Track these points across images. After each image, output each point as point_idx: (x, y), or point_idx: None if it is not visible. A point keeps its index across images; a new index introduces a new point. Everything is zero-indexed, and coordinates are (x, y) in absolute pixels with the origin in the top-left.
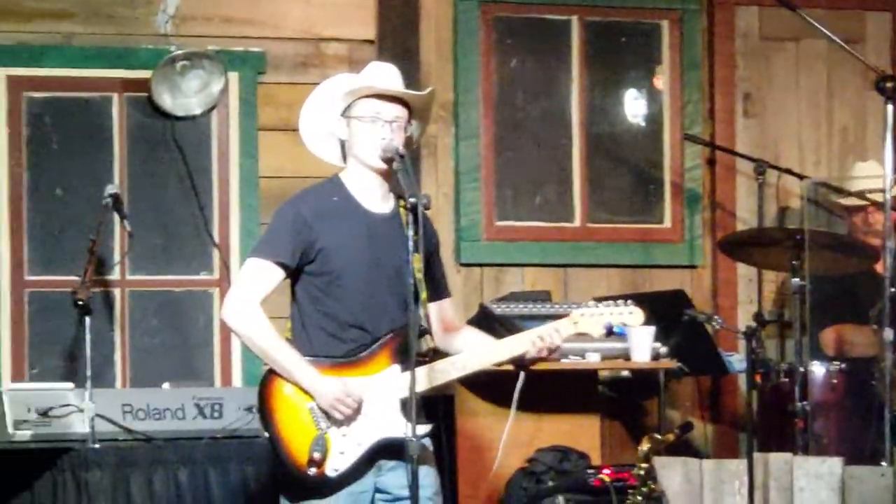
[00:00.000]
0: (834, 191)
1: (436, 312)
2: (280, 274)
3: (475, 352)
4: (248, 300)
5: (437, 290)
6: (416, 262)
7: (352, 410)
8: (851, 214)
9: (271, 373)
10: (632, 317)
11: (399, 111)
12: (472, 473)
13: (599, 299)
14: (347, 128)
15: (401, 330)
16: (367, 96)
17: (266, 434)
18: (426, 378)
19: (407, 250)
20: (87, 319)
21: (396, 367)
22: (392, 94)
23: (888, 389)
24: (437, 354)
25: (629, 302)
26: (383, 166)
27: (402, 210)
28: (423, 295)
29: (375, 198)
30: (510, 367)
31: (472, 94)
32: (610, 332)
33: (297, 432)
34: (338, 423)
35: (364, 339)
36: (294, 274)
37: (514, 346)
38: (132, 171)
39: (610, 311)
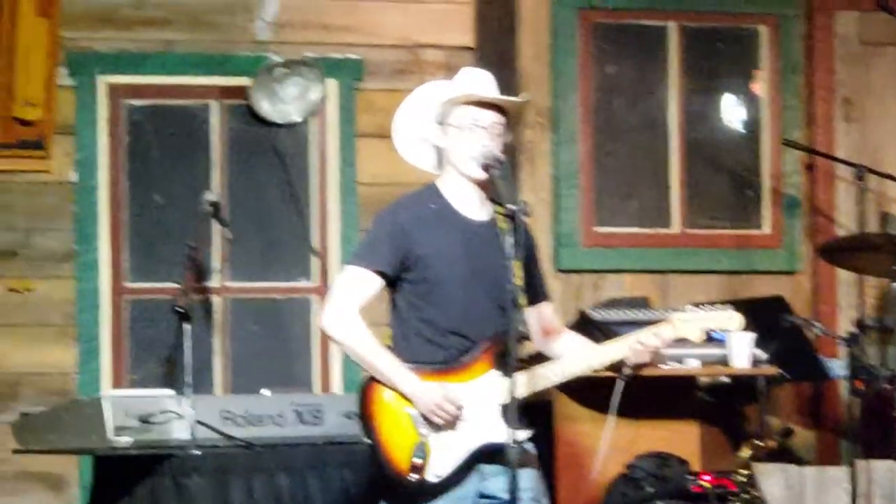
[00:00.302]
0: None
1: (535, 317)
2: (378, 282)
3: (576, 357)
4: (347, 308)
5: (536, 294)
6: (516, 268)
7: (452, 416)
8: None
9: (372, 379)
10: (731, 321)
11: (496, 117)
12: (571, 479)
13: (698, 305)
14: (444, 135)
15: (500, 336)
16: (465, 103)
17: (367, 440)
18: (526, 383)
19: (504, 256)
20: (187, 326)
21: (496, 373)
22: (490, 101)
23: None
24: (537, 359)
25: (728, 306)
26: (482, 174)
27: (498, 216)
28: (522, 300)
29: (473, 205)
30: (609, 373)
31: (570, 100)
32: (709, 337)
33: (398, 438)
34: (438, 429)
35: (464, 345)
36: (393, 282)
37: (614, 350)
38: (231, 178)
39: (709, 315)
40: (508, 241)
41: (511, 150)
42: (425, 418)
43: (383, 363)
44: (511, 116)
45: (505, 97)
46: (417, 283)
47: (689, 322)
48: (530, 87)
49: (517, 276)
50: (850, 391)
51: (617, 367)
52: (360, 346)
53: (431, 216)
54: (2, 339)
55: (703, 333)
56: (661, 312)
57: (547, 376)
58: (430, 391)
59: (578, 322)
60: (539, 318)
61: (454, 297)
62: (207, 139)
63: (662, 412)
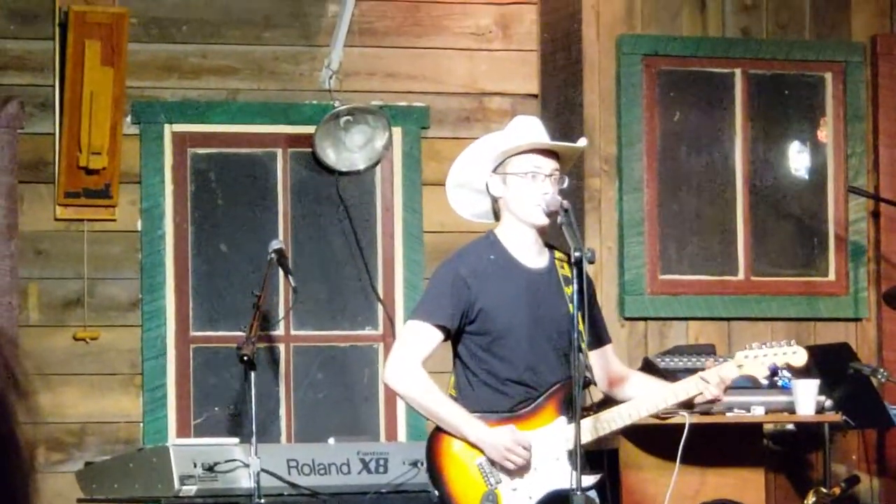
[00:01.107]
0: None
1: (599, 360)
2: (440, 336)
3: (641, 400)
4: (409, 362)
5: (598, 337)
6: (578, 314)
7: (523, 460)
8: None
9: (438, 430)
10: (795, 356)
11: (555, 164)
12: None
13: (763, 343)
14: (503, 184)
15: (565, 382)
16: (524, 152)
17: (436, 492)
18: (592, 429)
19: (565, 302)
20: (252, 374)
21: (563, 420)
22: (551, 148)
23: None
24: (605, 403)
25: (792, 342)
26: (546, 221)
27: (556, 262)
28: (584, 345)
29: (531, 253)
30: (674, 420)
31: (636, 148)
32: (774, 373)
33: (467, 488)
34: (507, 478)
35: (529, 394)
36: (455, 334)
37: (679, 390)
38: (296, 226)
39: (773, 351)
40: (571, 288)
41: (576, 198)
42: (493, 466)
43: (449, 412)
44: (566, 162)
45: (566, 143)
46: (480, 335)
47: (754, 359)
48: (595, 135)
49: (580, 322)
50: None
51: (685, 407)
52: (424, 398)
53: (491, 267)
54: (68, 388)
55: (769, 370)
56: (726, 360)
57: (614, 420)
58: (499, 435)
59: (643, 369)
60: (603, 362)
61: (517, 347)
62: (273, 187)
63: (728, 460)
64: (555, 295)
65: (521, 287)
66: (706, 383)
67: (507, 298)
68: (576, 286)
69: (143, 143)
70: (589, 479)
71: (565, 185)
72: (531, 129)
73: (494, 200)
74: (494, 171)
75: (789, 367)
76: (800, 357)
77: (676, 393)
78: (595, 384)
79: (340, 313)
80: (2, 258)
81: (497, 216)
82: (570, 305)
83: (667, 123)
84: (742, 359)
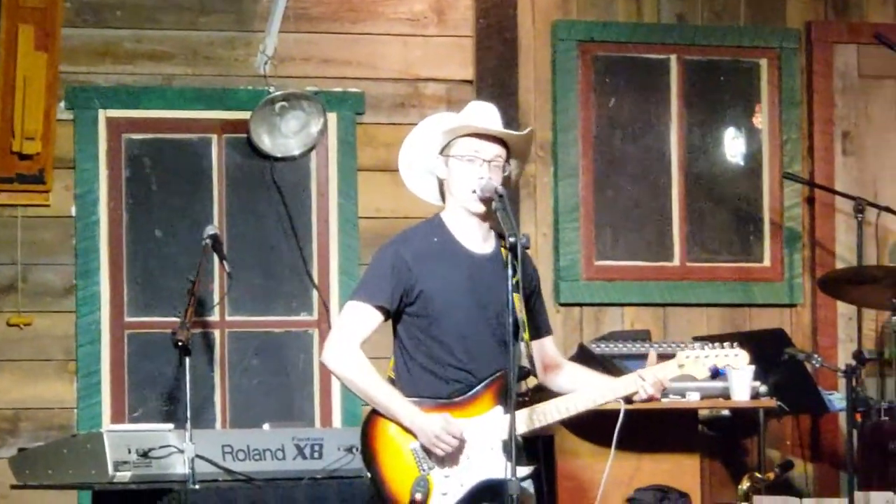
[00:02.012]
0: None
1: (538, 351)
2: (379, 317)
3: (578, 395)
4: (348, 343)
5: (539, 328)
6: (517, 301)
7: (453, 448)
8: None
9: (374, 413)
10: (737, 359)
11: (498, 150)
12: None
13: (699, 339)
14: (446, 167)
15: (504, 372)
16: (467, 135)
17: (368, 475)
18: (527, 420)
19: (508, 290)
20: (187, 360)
21: (499, 409)
22: (491, 134)
23: None
24: (540, 392)
25: (734, 344)
26: (481, 207)
27: (503, 250)
28: (525, 335)
29: (476, 238)
30: (609, 406)
31: (571, 134)
32: (715, 375)
33: (400, 473)
34: (440, 464)
35: (467, 380)
36: (395, 315)
37: (618, 387)
38: (231, 212)
39: (715, 353)
40: (510, 274)
41: (513, 184)
42: (427, 452)
43: (384, 396)
44: (515, 150)
45: (505, 130)
46: (419, 318)
47: (696, 360)
48: (531, 121)
49: (519, 310)
50: (849, 423)
51: (623, 400)
52: (360, 380)
53: (434, 249)
54: (1, 375)
55: (709, 372)
56: (661, 346)
57: (550, 413)
58: (432, 422)
59: (578, 355)
60: (542, 353)
61: (457, 331)
62: (207, 173)
63: (663, 445)
64: (497, 281)
65: (463, 271)
66: (643, 381)
67: (449, 281)
68: (510, 272)
69: (78, 128)
70: (523, 470)
71: (507, 172)
72: (481, 114)
73: (440, 182)
74: (440, 152)
75: (730, 369)
76: (741, 360)
77: (614, 390)
78: (534, 374)
79: (275, 299)
80: None
81: (444, 199)
82: (515, 295)
83: (602, 109)
84: (683, 359)
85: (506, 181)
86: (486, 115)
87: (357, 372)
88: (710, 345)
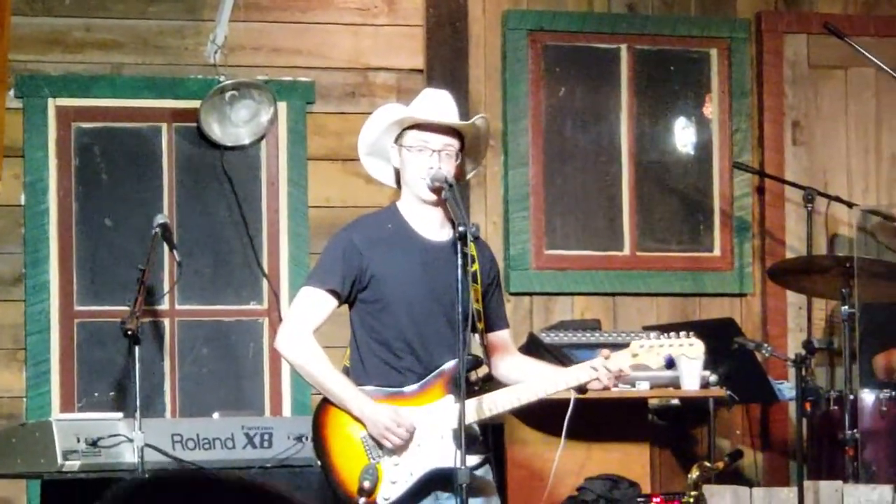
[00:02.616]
0: (884, 218)
1: (492, 343)
2: (333, 302)
3: (529, 385)
4: (301, 329)
5: (495, 321)
6: (474, 292)
7: (402, 439)
8: None
9: (325, 402)
10: (692, 349)
11: (448, 139)
12: (523, 502)
13: (649, 328)
14: (399, 156)
15: (456, 361)
16: (416, 126)
17: (318, 463)
18: (477, 409)
19: (459, 279)
20: (137, 349)
21: (450, 398)
22: (436, 123)
23: None
24: (490, 383)
25: (690, 334)
26: (432, 196)
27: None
28: (480, 325)
29: (432, 226)
30: (559, 395)
31: (521, 123)
32: (670, 365)
33: (350, 461)
34: (390, 453)
35: (419, 368)
36: (349, 302)
37: (570, 377)
38: (181, 201)
39: (670, 342)
40: (476, 265)
41: (462, 172)
42: (376, 441)
43: (335, 385)
44: (468, 139)
45: (448, 120)
46: (371, 303)
47: (650, 349)
48: (481, 110)
49: (474, 300)
50: (799, 413)
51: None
52: (312, 367)
53: (388, 236)
54: None
55: (663, 361)
56: (611, 335)
57: (501, 402)
58: (380, 413)
59: (528, 345)
60: (496, 345)
61: (408, 317)
62: (157, 162)
63: (613, 435)
64: (453, 270)
65: (416, 258)
66: (596, 371)
67: (401, 267)
68: (460, 261)
69: (27, 116)
70: (473, 459)
71: (456, 161)
72: (433, 102)
73: (396, 171)
74: (395, 141)
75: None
76: (697, 349)
77: (567, 380)
78: (487, 365)
79: (225, 288)
80: None
81: (399, 186)
82: (473, 284)
83: (552, 99)
84: (637, 348)
85: (458, 170)
86: (438, 103)
87: (310, 359)
88: (665, 334)
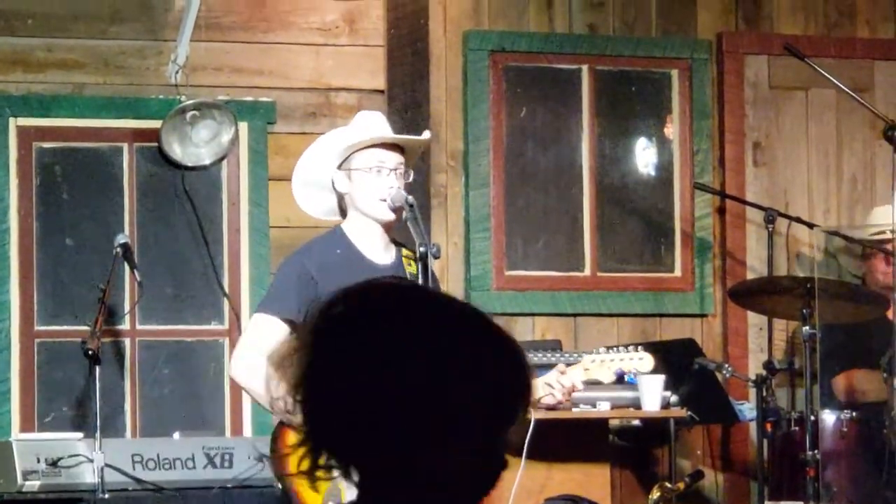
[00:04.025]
0: (844, 239)
1: None
2: (286, 329)
3: None
4: (255, 355)
5: None
6: None
7: None
8: (868, 259)
9: (282, 424)
10: (642, 362)
11: (399, 158)
12: None
13: (610, 348)
14: (349, 180)
15: None
16: (368, 146)
17: (279, 485)
18: None
19: None
20: (97, 369)
21: None
22: (394, 142)
23: None
24: None
25: (640, 348)
26: (392, 216)
27: (405, 259)
28: None
29: (378, 249)
30: None
31: (482, 144)
32: (621, 379)
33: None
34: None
35: None
36: None
37: None
38: (142, 221)
39: (620, 356)
40: (429, 281)
41: (422, 193)
42: None
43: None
44: (411, 156)
45: (410, 136)
46: None
47: (601, 364)
48: (442, 131)
49: None
50: (759, 433)
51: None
52: (266, 392)
53: (338, 261)
54: None
55: (615, 375)
56: (572, 356)
57: None
58: None
59: None
60: None
61: None
62: (118, 182)
63: (573, 455)
64: None
65: None
66: (551, 388)
67: None
68: (421, 281)
69: None
70: None
71: (410, 178)
72: (375, 123)
73: (340, 197)
74: (339, 167)
75: (636, 373)
76: (646, 363)
77: None
78: None
79: (186, 308)
80: None
81: (343, 213)
82: None
83: (514, 119)
84: (589, 363)
85: (408, 188)
86: (380, 123)
87: (263, 385)
88: (615, 349)
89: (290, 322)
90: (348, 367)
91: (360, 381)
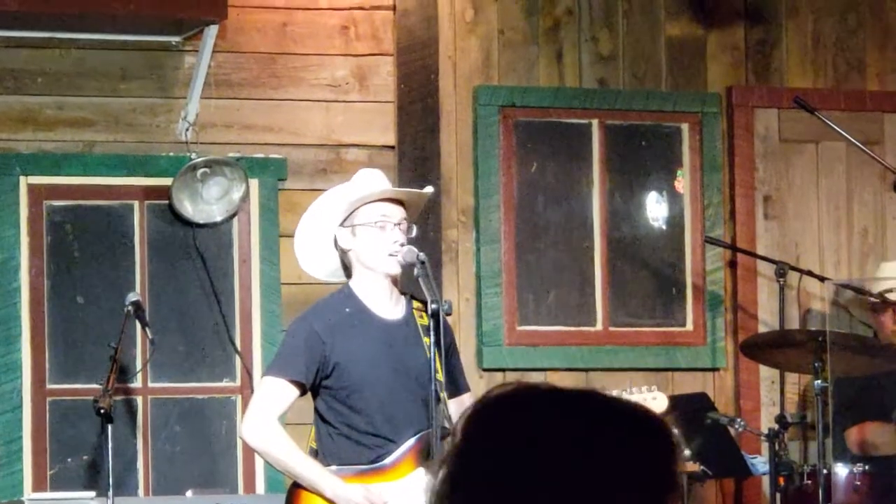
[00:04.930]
0: (855, 292)
1: (456, 409)
2: (296, 392)
3: None
4: (265, 417)
5: (457, 386)
6: (437, 363)
7: None
8: (878, 314)
9: (296, 486)
10: (655, 402)
11: (402, 212)
12: None
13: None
14: (353, 236)
15: (425, 433)
16: (371, 202)
17: None
18: None
19: (424, 352)
20: (109, 427)
21: (422, 471)
22: (397, 196)
23: None
24: None
25: (653, 388)
26: (397, 271)
27: (415, 312)
28: (443, 394)
29: (388, 303)
30: None
31: (493, 199)
32: None
33: None
34: None
35: (388, 446)
36: (312, 389)
37: None
38: (153, 279)
39: (634, 398)
40: (432, 340)
41: (434, 249)
42: None
43: (304, 468)
44: (413, 211)
45: (412, 189)
46: (337, 389)
47: None
48: (452, 186)
49: (439, 372)
50: (772, 487)
51: None
52: (280, 454)
53: (346, 320)
54: None
55: None
56: None
57: None
58: (352, 492)
59: None
60: (461, 410)
61: (376, 400)
62: (129, 240)
63: None
64: (413, 345)
65: (377, 339)
66: None
67: (364, 351)
68: (433, 338)
69: None
70: None
71: (413, 234)
72: (376, 179)
73: (344, 254)
74: (342, 224)
75: None
76: (660, 403)
77: None
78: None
79: (198, 365)
80: None
81: (347, 271)
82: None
83: (524, 174)
84: None
85: (418, 244)
86: (381, 180)
87: (276, 446)
88: (628, 390)
89: (298, 384)
90: (498, 463)
91: (512, 474)
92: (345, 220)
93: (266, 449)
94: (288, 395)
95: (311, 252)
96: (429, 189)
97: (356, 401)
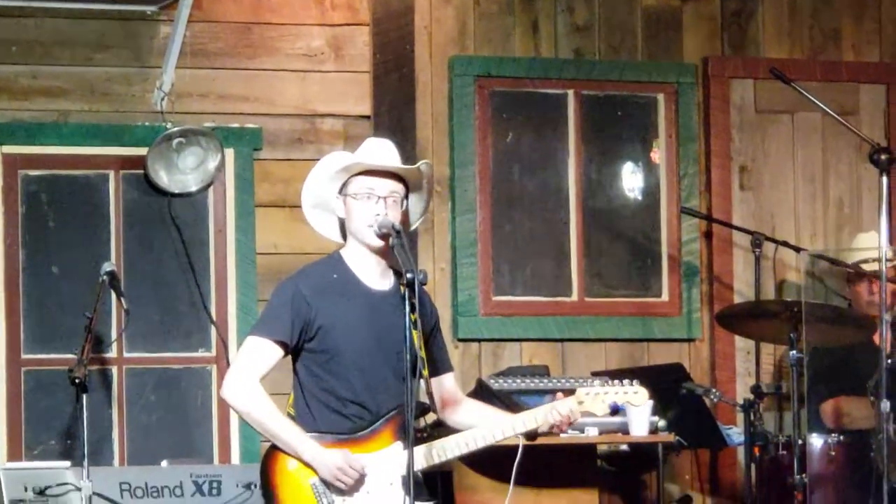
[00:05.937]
0: (831, 263)
1: (437, 388)
2: (279, 352)
3: (478, 431)
4: (248, 378)
5: (439, 365)
6: (416, 338)
7: (353, 481)
8: (853, 284)
9: (274, 448)
10: (636, 396)
11: (394, 186)
12: None
13: (597, 374)
14: (344, 206)
15: (403, 407)
16: (361, 173)
17: None
18: (426, 455)
19: (406, 326)
20: (84, 397)
21: (399, 445)
22: (384, 170)
23: (886, 461)
24: (439, 429)
25: (634, 382)
26: (380, 243)
27: (401, 287)
28: (425, 371)
29: (374, 275)
30: (507, 441)
31: (469, 169)
32: (615, 412)
33: None
34: (340, 500)
35: (366, 416)
36: (294, 352)
37: (517, 423)
38: (129, 249)
39: (615, 390)
40: (410, 311)
41: (408, 219)
42: (327, 485)
43: (284, 431)
44: (412, 185)
45: (396, 165)
46: (318, 353)
47: (595, 397)
48: (428, 156)
49: (419, 347)
50: (747, 458)
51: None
52: (260, 415)
53: (333, 286)
54: None
55: (608, 407)
56: (559, 381)
57: (450, 448)
58: (332, 455)
59: (476, 391)
60: (441, 389)
61: (355, 367)
62: (105, 209)
63: (562, 480)
64: (396, 318)
65: (362, 307)
66: (541, 422)
67: (347, 317)
68: (408, 307)
69: None
70: None
71: (405, 207)
72: (376, 150)
73: (341, 221)
74: (339, 192)
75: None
76: (640, 397)
77: (514, 426)
78: (434, 410)
79: (173, 335)
80: None
81: (344, 237)
82: (414, 332)
83: (500, 144)
84: (583, 395)
85: (404, 216)
86: (381, 151)
87: (257, 406)
88: (610, 381)
89: (282, 344)
90: None
91: None
92: (340, 188)
93: (247, 409)
94: (272, 355)
95: (317, 214)
96: (422, 164)
97: (336, 365)
